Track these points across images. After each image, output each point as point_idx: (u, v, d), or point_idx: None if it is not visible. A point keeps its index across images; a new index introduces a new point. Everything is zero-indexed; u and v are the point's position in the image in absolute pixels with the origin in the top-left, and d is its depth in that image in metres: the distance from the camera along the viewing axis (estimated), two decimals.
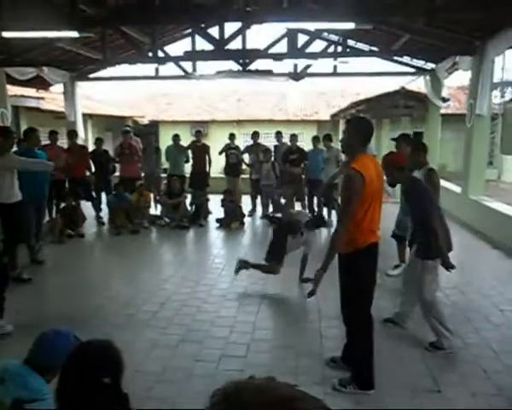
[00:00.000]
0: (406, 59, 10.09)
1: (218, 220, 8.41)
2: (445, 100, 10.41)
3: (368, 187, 2.81)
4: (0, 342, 3.65)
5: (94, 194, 8.47)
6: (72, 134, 8.37)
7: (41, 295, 5.04)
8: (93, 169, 8.46)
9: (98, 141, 8.99)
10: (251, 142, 9.57)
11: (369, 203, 2.88)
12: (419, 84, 10.71)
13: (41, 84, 10.20)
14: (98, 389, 1.40)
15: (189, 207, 8.72)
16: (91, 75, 10.93)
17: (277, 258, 4.98)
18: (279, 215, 8.84)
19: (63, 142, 9.40)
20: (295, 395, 0.57)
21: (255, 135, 9.41)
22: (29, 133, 6.09)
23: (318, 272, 2.99)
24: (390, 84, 12.61)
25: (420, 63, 10.09)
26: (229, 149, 9.39)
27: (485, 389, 3.09)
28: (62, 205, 7.74)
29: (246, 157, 9.49)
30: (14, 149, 5.61)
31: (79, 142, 9.13)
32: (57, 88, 10.81)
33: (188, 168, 9.19)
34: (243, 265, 5.18)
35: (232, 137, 9.51)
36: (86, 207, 8.24)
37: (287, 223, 5.36)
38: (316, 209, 8.48)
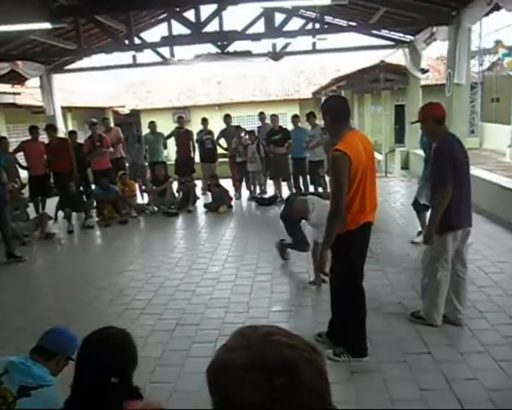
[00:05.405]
0: (385, 32, 10.09)
1: (205, 205, 8.44)
2: (424, 71, 10.50)
3: (355, 165, 2.72)
4: (5, 337, 3.68)
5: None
6: (50, 129, 8.07)
7: (35, 291, 5.05)
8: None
9: (72, 134, 8.74)
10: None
11: (357, 183, 2.77)
12: (398, 57, 10.73)
13: (16, 79, 9.99)
14: (108, 388, 1.48)
15: (176, 194, 8.72)
16: (67, 67, 10.72)
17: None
18: (266, 196, 8.92)
19: (43, 137, 9.25)
20: (272, 330, 0.70)
21: (227, 118, 9.33)
22: None
23: (322, 253, 2.98)
24: (370, 59, 12.63)
25: (398, 35, 10.11)
26: (204, 135, 9.18)
27: (473, 347, 3.23)
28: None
29: (222, 142, 9.39)
30: None
31: (60, 135, 8.97)
32: (33, 82, 10.59)
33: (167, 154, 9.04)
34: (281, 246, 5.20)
35: (205, 122, 9.24)
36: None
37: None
38: (302, 188, 8.55)
